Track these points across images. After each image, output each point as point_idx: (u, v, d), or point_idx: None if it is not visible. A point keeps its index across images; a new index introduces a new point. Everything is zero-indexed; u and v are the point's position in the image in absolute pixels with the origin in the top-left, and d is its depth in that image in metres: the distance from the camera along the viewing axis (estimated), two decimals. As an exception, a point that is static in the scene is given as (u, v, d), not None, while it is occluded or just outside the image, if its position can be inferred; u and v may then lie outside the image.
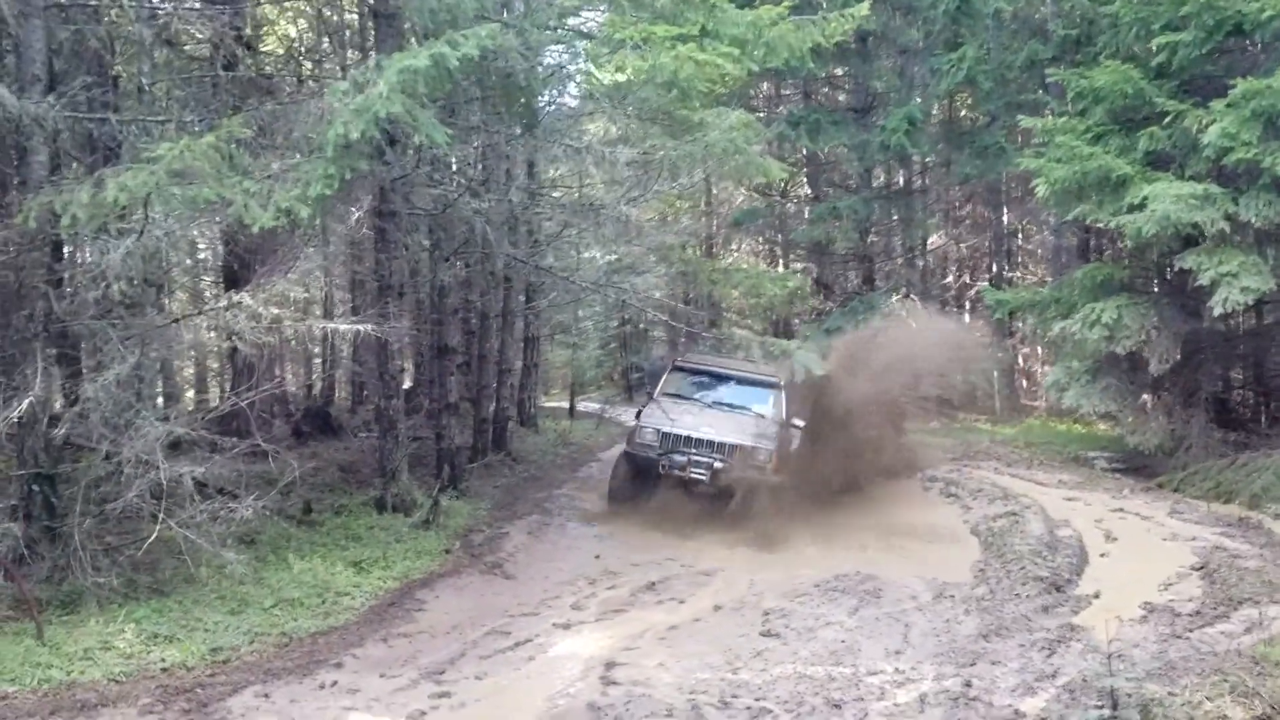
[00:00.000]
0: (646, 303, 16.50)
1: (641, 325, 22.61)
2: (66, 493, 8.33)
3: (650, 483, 11.91)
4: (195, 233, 10.86)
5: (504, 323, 17.39)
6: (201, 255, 17.84)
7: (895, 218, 23.10)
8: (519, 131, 12.19)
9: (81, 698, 6.02)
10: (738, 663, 6.64)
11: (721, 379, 13.07)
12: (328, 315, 17.76)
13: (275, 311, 9.17)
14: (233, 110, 8.86)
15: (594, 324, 25.80)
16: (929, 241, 25.05)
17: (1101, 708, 4.65)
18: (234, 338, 9.26)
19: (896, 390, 12.71)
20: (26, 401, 7.70)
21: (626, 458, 12.29)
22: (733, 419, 12.10)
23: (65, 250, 10.02)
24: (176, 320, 9.37)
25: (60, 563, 8.00)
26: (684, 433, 11.63)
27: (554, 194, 15.17)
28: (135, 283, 8.97)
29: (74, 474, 8.41)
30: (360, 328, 10.39)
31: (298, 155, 8.56)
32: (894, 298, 21.96)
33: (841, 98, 22.88)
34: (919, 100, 19.85)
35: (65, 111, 8.18)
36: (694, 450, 11.52)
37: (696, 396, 12.70)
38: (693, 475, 11.41)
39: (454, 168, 13.75)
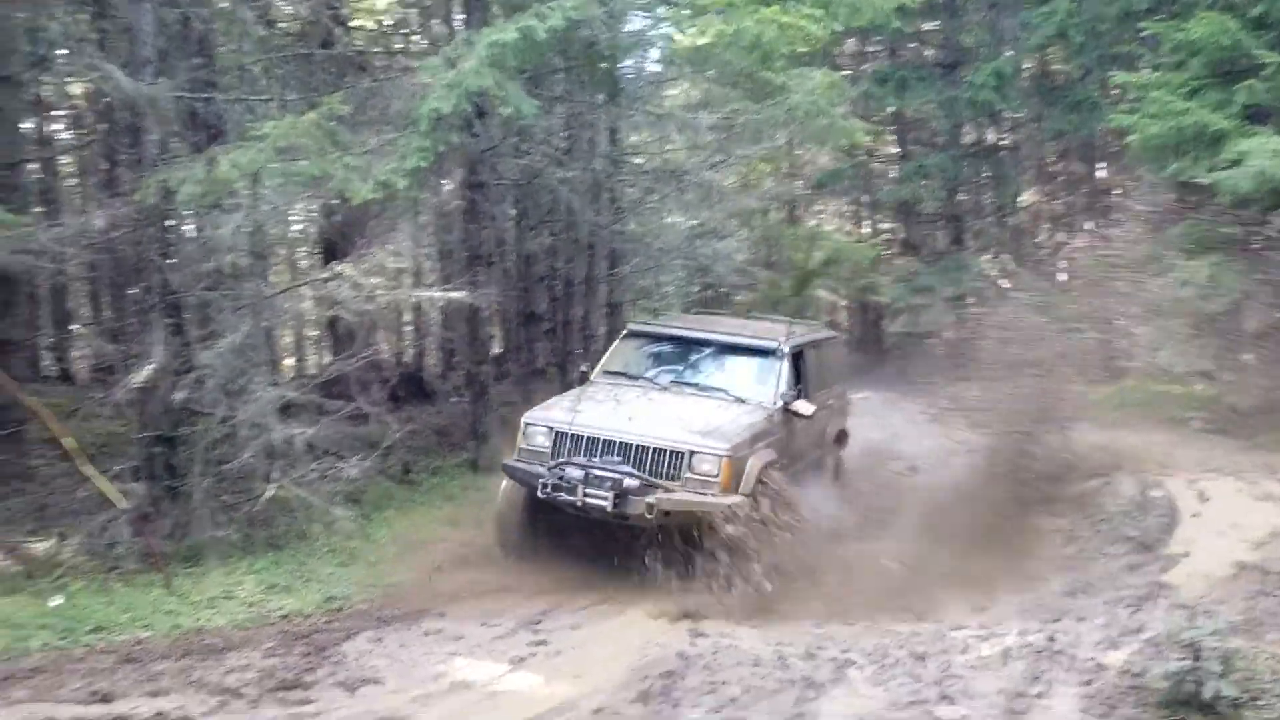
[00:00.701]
0: (728, 267, 16.62)
1: (723, 289, 22.69)
2: (184, 454, 8.88)
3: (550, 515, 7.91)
4: (299, 206, 11.32)
5: (588, 289, 17.67)
6: (298, 228, 18.47)
7: (985, 175, 22.68)
8: (602, 100, 12.37)
9: (209, 642, 6.51)
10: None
11: (691, 346, 9.09)
12: (418, 284, 18.31)
13: (375, 281, 9.61)
14: (332, 88, 9.24)
15: (676, 289, 25.89)
16: (1020, 199, 24.53)
17: (1184, 660, 4.73)
18: (336, 306, 9.73)
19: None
20: (149, 368, 8.26)
21: (506, 474, 8.15)
22: (685, 406, 8.19)
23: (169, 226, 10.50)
24: (284, 290, 9.86)
25: (182, 520, 8.56)
26: (587, 431, 7.66)
27: (636, 160, 15.34)
28: (243, 255, 9.48)
29: (192, 436, 8.94)
30: (453, 296, 10.81)
31: (390, 130, 8.92)
32: (984, 257, 21.66)
33: (929, 53, 22.44)
34: (1009, 55, 19.41)
35: (174, 92, 8.64)
36: (599, 460, 7.53)
37: (649, 375, 8.83)
38: (589, 501, 7.35)
39: (540, 138, 14.00)
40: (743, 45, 10.52)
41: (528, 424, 8.06)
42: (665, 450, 7.50)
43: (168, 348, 8.65)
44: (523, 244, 15.12)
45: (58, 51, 11.00)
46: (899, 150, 23.70)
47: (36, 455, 9.84)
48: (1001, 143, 23.02)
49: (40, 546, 8.32)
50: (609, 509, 7.30)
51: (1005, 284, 22.17)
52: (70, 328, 17.19)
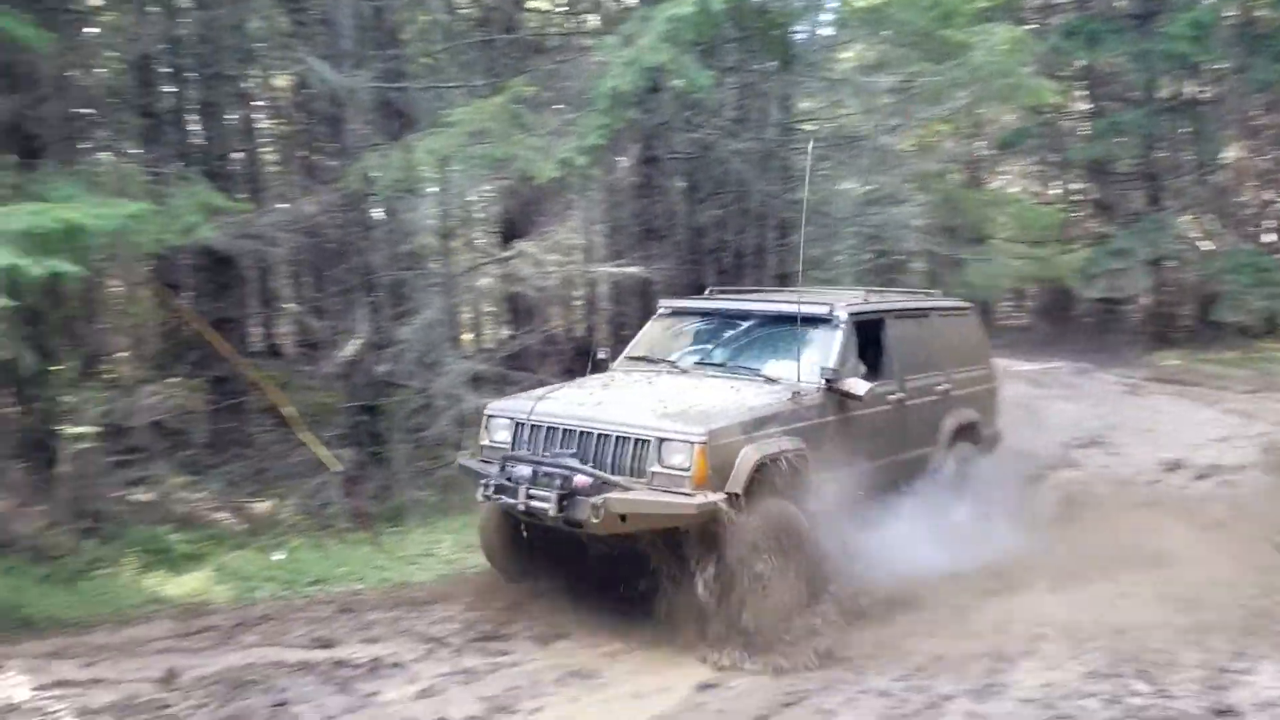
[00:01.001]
0: (904, 233, 16.21)
1: (899, 256, 22.12)
2: (385, 423, 9.50)
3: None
4: (486, 187, 11.80)
5: (758, 260, 17.62)
6: (478, 209, 19.18)
7: (1184, 131, 21.25)
8: (774, 67, 12.29)
9: (414, 595, 7.01)
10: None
11: (728, 322, 7.56)
12: (588, 260, 18.78)
13: (553, 258, 9.98)
14: (514, 71, 9.58)
15: (848, 257, 25.39)
16: (1222, 156, 22.84)
17: None
18: (519, 283, 10.16)
19: None
20: (356, 344, 8.89)
21: (463, 474, 7.02)
22: (687, 389, 6.60)
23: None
24: (471, 269, 10.35)
25: (385, 483, 9.19)
26: (547, 421, 6.34)
27: (808, 127, 15.16)
28: (433, 236, 10.00)
29: (391, 406, 9.55)
30: (628, 270, 11.08)
31: (568, 109, 9.18)
32: (1184, 217, 20.36)
33: (1120, 4, 21.14)
34: (1208, 2, 18.07)
35: (371, 83, 9.17)
36: (551, 454, 6.18)
37: (673, 357, 7.41)
38: (532, 504, 5.99)
39: (711, 110, 14.06)
40: (921, 4, 10.25)
41: (489, 415, 6.76)
42: (629, 439, 5.98)
43: (370, 324, 9.28)
44: (693, 217, 15.22)
45: (255, 45, 11.75)
46: (1090, 106, 22.49)
47: (255, 424, 10.71)
48: (1201, 96, 21.49)
49: (262, 507, 9.12)
50: (554, 512, 5.87)
51: (1207, 246, 20.80)
52: (277, 306, 18.45)
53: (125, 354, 12.74)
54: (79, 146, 9.95)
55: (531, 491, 5.98)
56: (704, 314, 7.78)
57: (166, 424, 10.27)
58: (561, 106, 9.39)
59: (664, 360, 7.38)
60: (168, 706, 5.20)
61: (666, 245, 14.02)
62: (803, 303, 6.98)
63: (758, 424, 6.11)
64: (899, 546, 6.33)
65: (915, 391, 7.48)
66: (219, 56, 10.81)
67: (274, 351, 17.77)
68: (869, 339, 7.22)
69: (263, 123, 18.17)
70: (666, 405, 6.22)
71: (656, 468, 5.85)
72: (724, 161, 12.72)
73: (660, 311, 8.02)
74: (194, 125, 11.53)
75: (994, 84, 11.10)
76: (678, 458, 5.79)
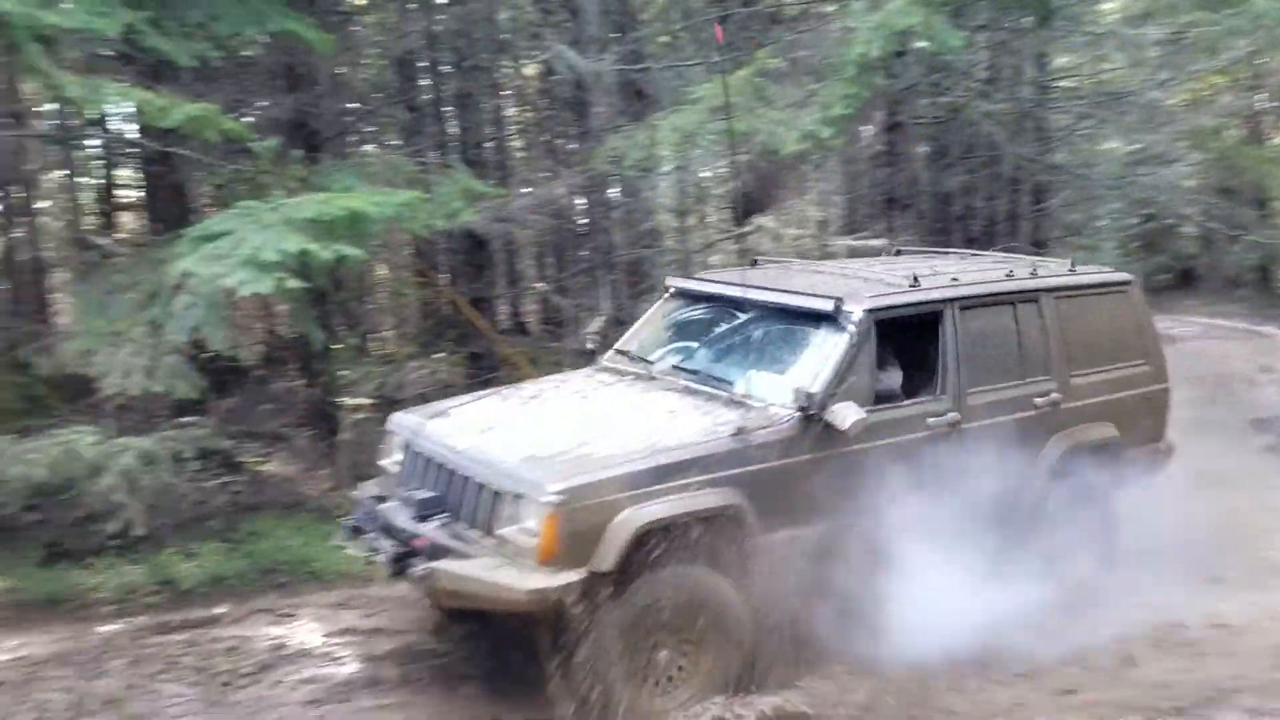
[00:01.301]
0: (1174, 195, 14.97)
1: (1169, 221, 20.39)
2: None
3: None
4: (722, 164, 11.82)
5: (1010, 227, 16.72)
6: (713, 185, 19.26)
7: None
8: (1030, 23, 11.61)
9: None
10: None
11: (732, 312, 5.78)
12: (823, 232, 18.45)
13: (792, 232, 9.88)
14: (754, 45, 9.53)
15: (1111, 222, 23.70)
16: None
17: None
18: (758, 258, 10.13)
19: None
20: (599, 321, 9.16)
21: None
22: (618, 413, 5.15)
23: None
24: (708, 245, 10.44)
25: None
26: (428, 445, 5.15)
27: (1066, 85, 14.23)
28: (672, 213, 10.13)
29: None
30: (872, 243, 10.81)
31: (809, 80, 9.02)
32: None
33: None
34: None
35: (616, 66, 9.39)
36: (404, 494, 5.10)
37: (656, 357, 5.86)
38: (375, 558, 4.94)
39: (961, 71, 13.46)
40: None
41: (387, 430, 5.60)
42: (487, 487, 4.61)
43: (611, 302, 9.55)
44: (939, 183, 14.65)
45: (505, 36, 12.26)
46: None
47: (506, 398, 11.25)
48: None
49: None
50: (389, 573, 4.74)
51: None
52: (523, 285, 19.32)
53: (392, 332, 13.74)
54: (349, 140, 10.76)
55: (376, 542, 4.86)
56: (709, 299, 6.03)
57: (430, 396, 10.95)
58: (802, 77, 9.25)
59: (642, 359, 5.88)
60: (440, 655, 5.59)
61: (910, 215, 13.57)
62: (818, 295, 5.31)
63: (662, 473, 4.48)
64: (934, 623, 4.71)
65: (983, 409, 5.49)
66: (473, 49, 11.37)
67: (521, 329, 18.61)
68: (916, 339, 5.47)
69: (509, 110, 19.05)
70: (549, 441, 4.77)
71: (507, 529, 4.47)
72: (973, 124, 12.16)
73: (666, 293, 6.44)
74: (450, 116, 12.20)
75: (1277, 31, 10.00)
76: (530, 520, 4.37)
